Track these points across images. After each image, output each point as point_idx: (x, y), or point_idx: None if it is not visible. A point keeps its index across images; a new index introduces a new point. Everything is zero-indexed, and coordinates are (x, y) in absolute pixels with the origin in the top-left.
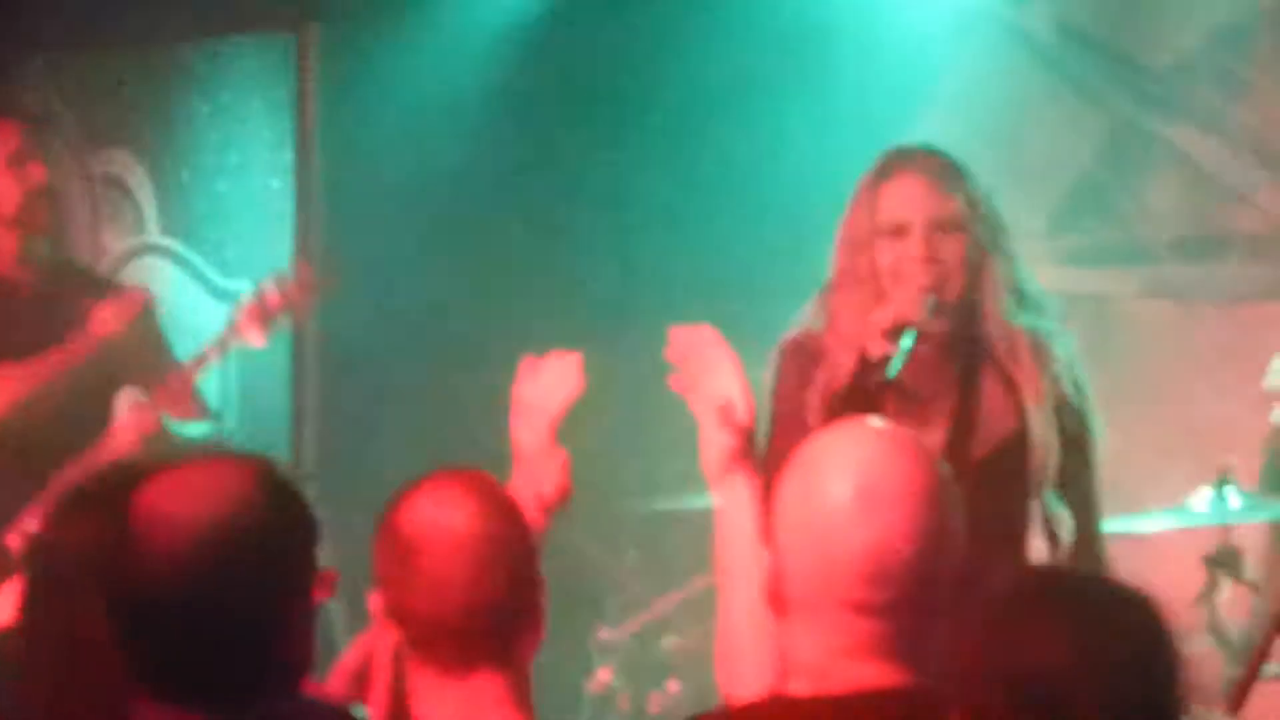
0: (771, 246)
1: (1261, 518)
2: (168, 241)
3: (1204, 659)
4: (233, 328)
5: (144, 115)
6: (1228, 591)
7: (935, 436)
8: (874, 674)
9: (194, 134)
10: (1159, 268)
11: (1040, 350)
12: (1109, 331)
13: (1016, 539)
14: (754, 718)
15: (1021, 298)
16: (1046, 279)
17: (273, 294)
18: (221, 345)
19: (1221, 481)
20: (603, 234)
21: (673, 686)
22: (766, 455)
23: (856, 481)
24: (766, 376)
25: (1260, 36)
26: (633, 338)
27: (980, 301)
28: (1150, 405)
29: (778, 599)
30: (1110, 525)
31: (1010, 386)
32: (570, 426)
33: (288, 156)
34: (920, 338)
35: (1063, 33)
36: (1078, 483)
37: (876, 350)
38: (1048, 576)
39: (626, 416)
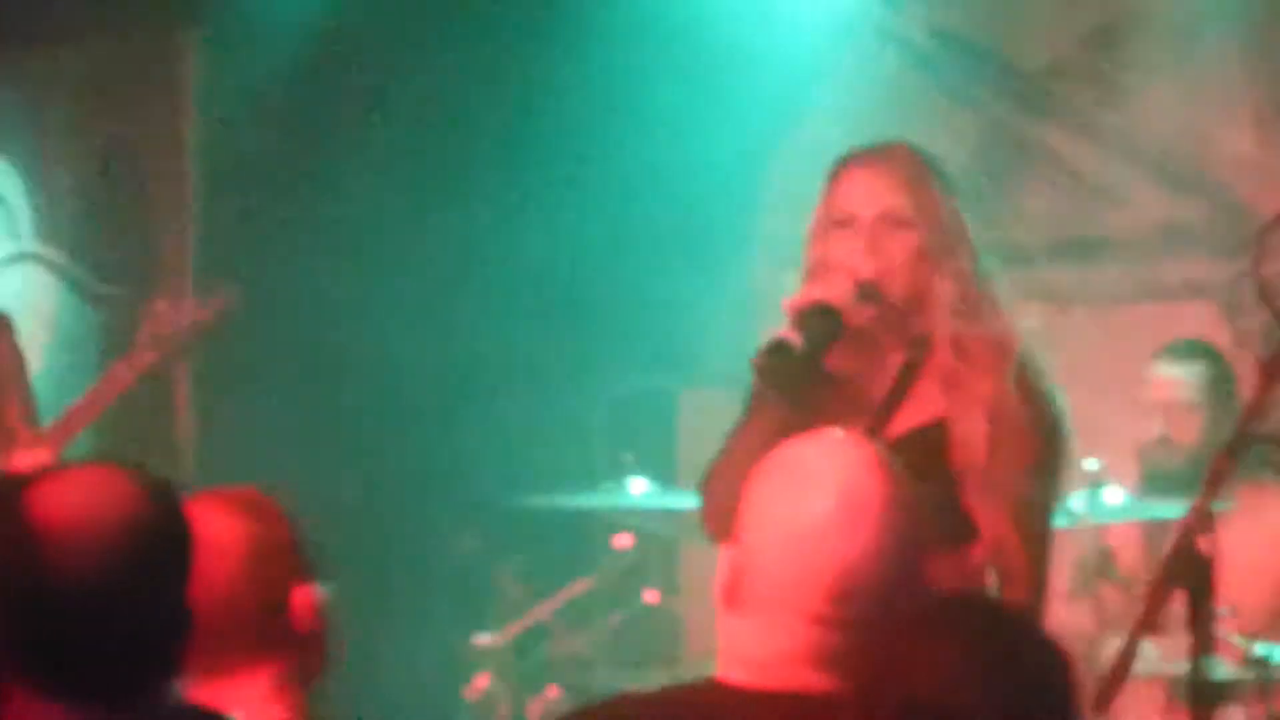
0: (650, 251)
1: (1135, 518)
2: (43, 249)
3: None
4: (129, 360)
5: (16, 120)
6: (1101, 590)
7: (859, 424)
8: (814, 679)
9: (71, 139)
10: (1033, 270)
11: (998, 354)
12: None
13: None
14: (688, 698)
15: (983, 300)
16: None
17: (171, 316)
18: (112, 383)
19: (1095, 483)
20: (481, 238)
21: (552, 692)
22: None
23: (836, 499)
24: None
25: (1131, 38)
26: (524, 332)
27: (931, 300)
28: None
29: (733, 594)
30: None
31: (950, 384)
32: (450, 422)
33: (166, 161)
34: (849, 325)
35: (937, 36)
36: (1012, 485)
37: (786, 331)
38: (952, 602)
39: (516, 413)
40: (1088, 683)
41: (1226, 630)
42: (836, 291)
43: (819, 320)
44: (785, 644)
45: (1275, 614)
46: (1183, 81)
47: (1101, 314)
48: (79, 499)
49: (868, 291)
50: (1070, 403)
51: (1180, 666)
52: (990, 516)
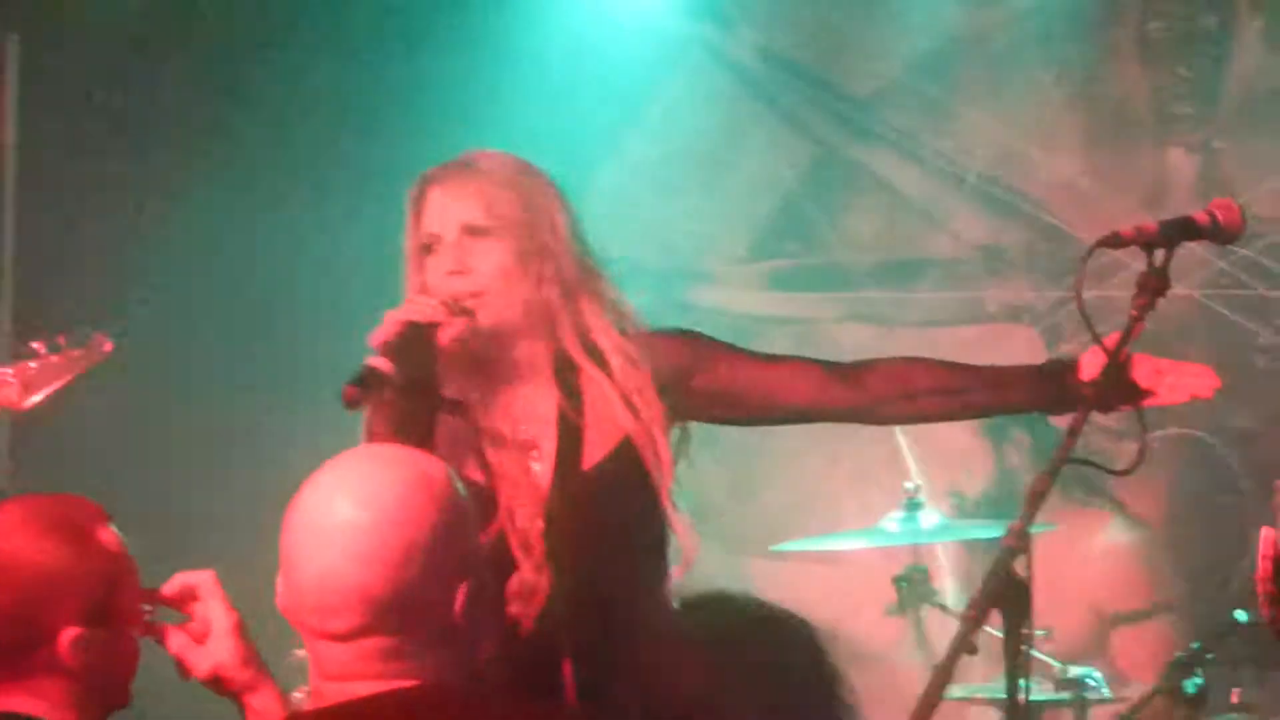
0: None
1: (952, 539)
2: None
3: (905, 675)
4: None
5: None
6: (922, 610)
7: (546, 447)
8: (363, 688)
9: None
10: (859, 292)
11: (646, 362)
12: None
13: (646, 546)
14: None
15: (619, 307)
16: (749, 303)
17: (47, 359)
18: None
19: (911, 504)
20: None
21: None
22: None
23: (309, 515)
24: None
25: (958, 64)
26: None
27: (566, 311)
28: (849, 429)
29: (291, 617)
30: (809, 544)
31: (623, 397)
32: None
33: None
34: (444, 345)
35: (768, 60)
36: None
37: (375, 359)
38: (697, 604)
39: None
40: (905, 703)
41: (1042, 652)
42: (422, 312)
43: (408, 344)
44: (324, 666)
45: (1090, 636)
46: (1007, 108)
47: (924, 336)
48: None
49: (458, 308)
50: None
51: (996, 688)
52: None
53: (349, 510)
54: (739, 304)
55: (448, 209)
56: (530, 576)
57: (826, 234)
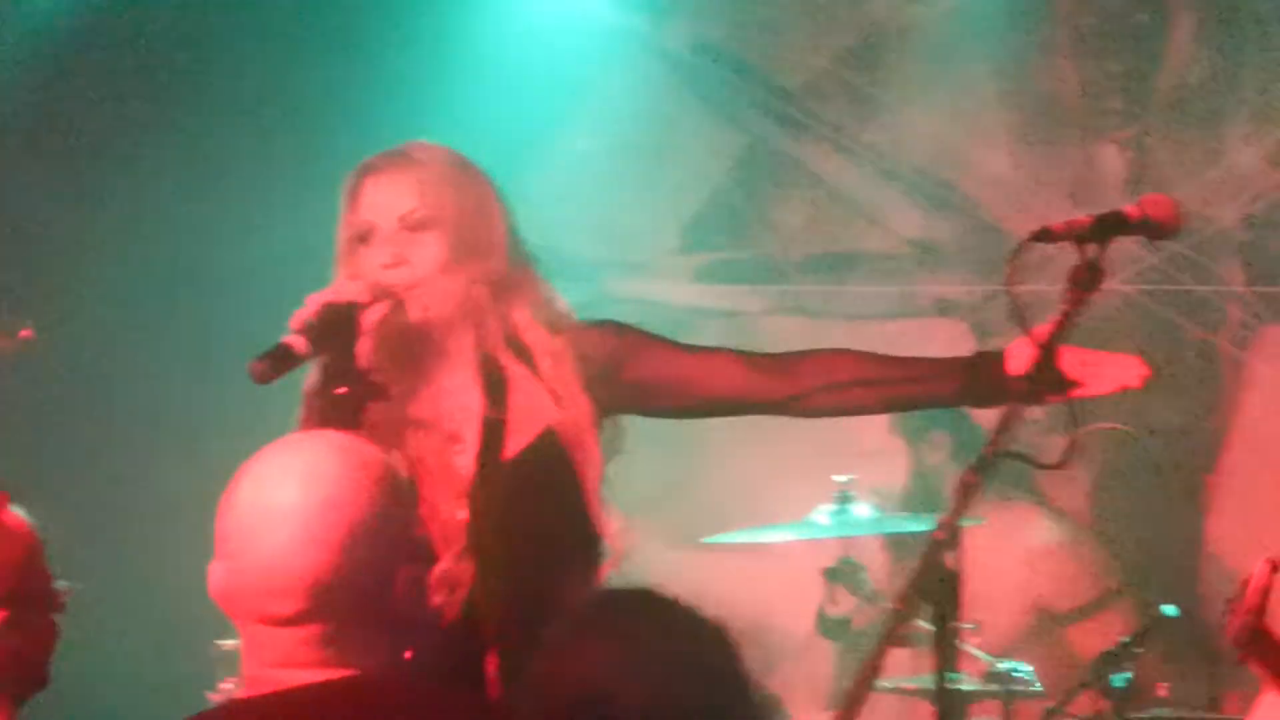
0: None
1: (883, 532)
2: None
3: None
4: None
5: None
6: (849, 603)
7: (469, 439)
8: (301, 676)
9: None
10: (789, 285)
11: (574, 357)
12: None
13: (572, 539)
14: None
15: (549, 303)
16: (680, 295)
17: None
18: None
19: (843, 496)
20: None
21: None
22: None
23: (252, 499)
24: None
25: (889, 58)
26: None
27: (496, 307)
28: (779, 422)
29: (226, 605)
30: (741, 536)
31: (550, 392)
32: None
33: None
34: (366, 328)
35: (699, 51)
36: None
37: (290, 337)
38: (610, 597)
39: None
40: (836, 694)
41: (971, 645)
42: (342, 293)
43: (328, 326)
44: (264, 652)
45: (1019, 630)
46: (939, 102)
47: (855, 330)
48: None
49: (381, 291)
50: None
51: (925, 680)
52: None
53: (294, 494)
54: (670, 296)
55: (385, 200)
56: (452, 568)
57: (757, 227)
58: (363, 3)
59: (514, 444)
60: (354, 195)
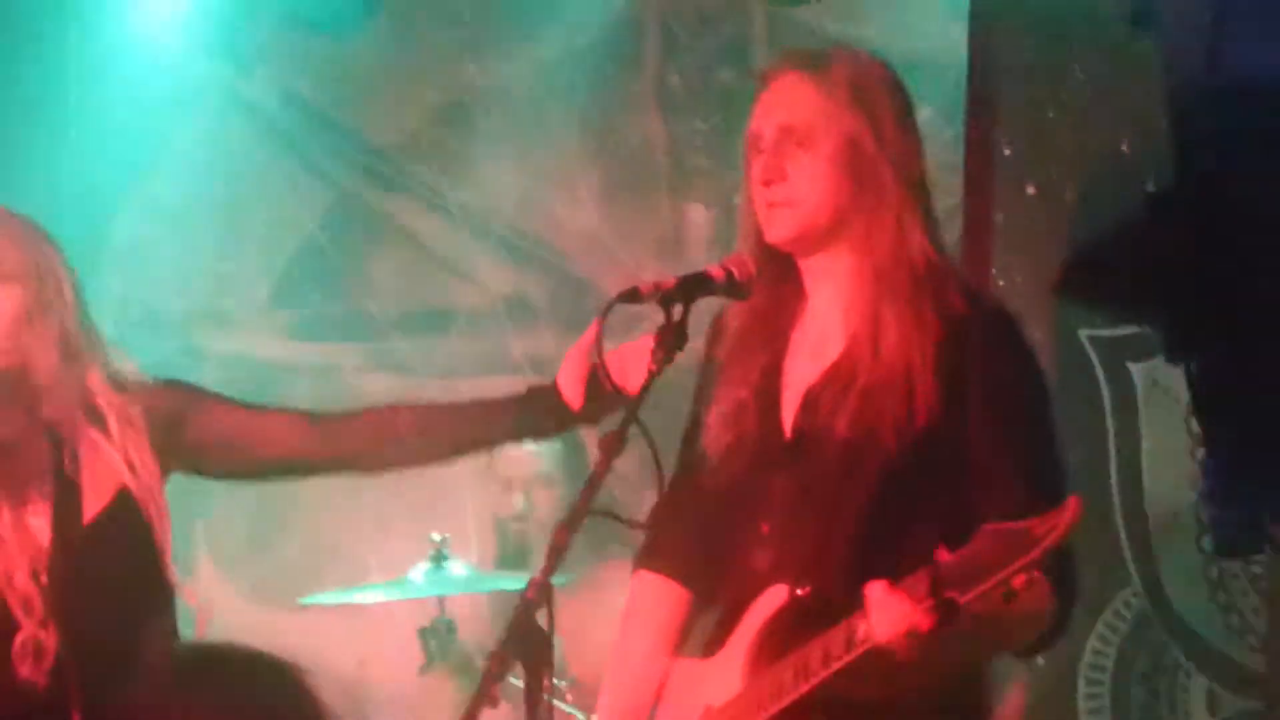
0: None
1: (478, 590)
2: None
3: None
4: None
5: None
6: (444, 663)
7: (42, 504)
8: None
9: None
10: (381, 341)
11: (142, 417)
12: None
13: (152, 599)
14: None
15: (118, 365)
16: (269, 351)
17: None
18: None
19: (438, 555)
20: None
21: None
22: None
23: None
24: None
25: (479, 115)
26: None
27: (66, 372)
28: (372, 479)
29: None
30: (335, 597)
31: (122, 454)
32: None
33: None
34: None
35: (288, 103)
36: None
37: None
38: (194, 653)
39: None
40: None
41: (565, 703)
42: None
43: None
44: None
45: None
46: (528, 159)
47: (450, 386)
48: None
49: None
50: (419, 474)
51: None
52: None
53: None
54: (260, 350)
55: None
56: (34, 635)
57: (349, 282)
58: None
59: (90, 507)
60: None
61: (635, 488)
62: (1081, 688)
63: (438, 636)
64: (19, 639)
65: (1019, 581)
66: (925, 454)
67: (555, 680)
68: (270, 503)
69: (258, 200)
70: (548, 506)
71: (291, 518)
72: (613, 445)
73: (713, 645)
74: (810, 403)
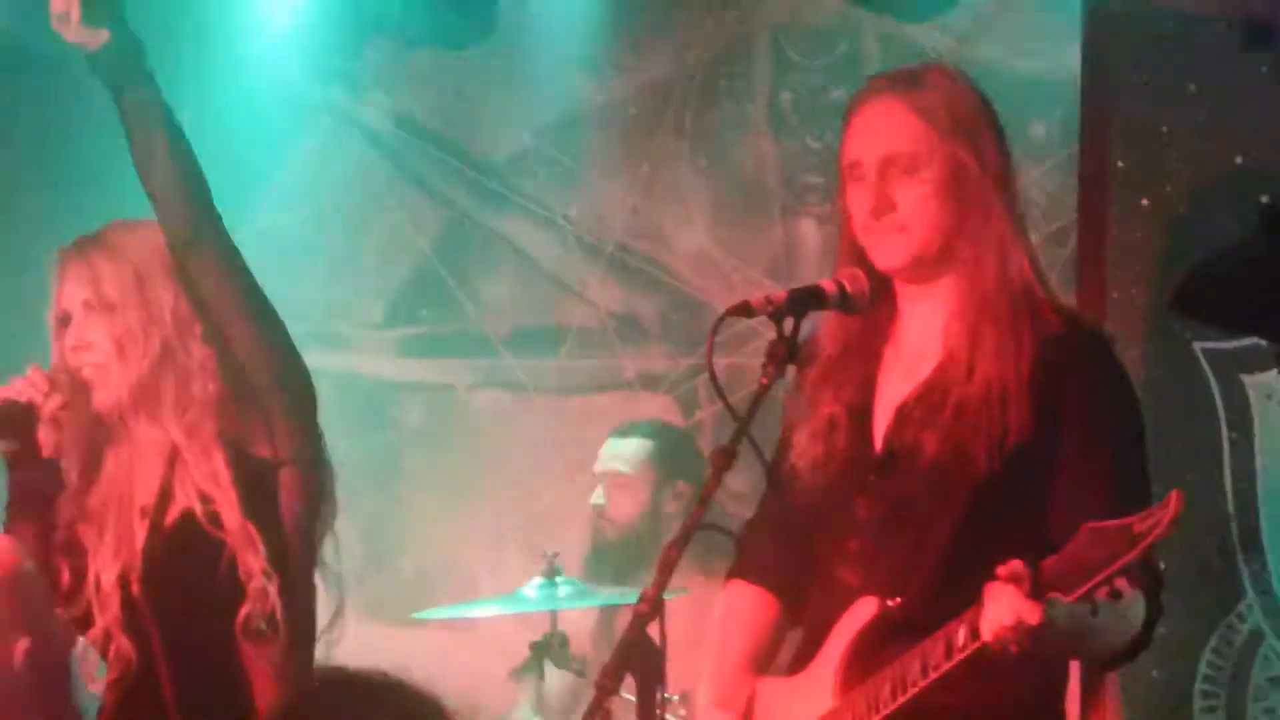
0: None
1: (588, 605)
2: None
3: None
4: None
5: None
6: (554, 676)
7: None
8: None
9: None
10: (494, 359)
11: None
12: (446, 422)
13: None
14: None
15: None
16: (382, 369)
17: None
18: None
19: (550, 570)
20: None
21: None
22: None
23: None
24: None
25: (589, 132)
26: None
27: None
28: (486, 494)
29: None
30: (448, 612)
31: None
32: None
33: None
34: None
35: (401, 126)
36: None
37: None
38: (333, 678)
39: None
40: None
41: (677, 716)
42: (19, 390)
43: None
44: None
45: None
46: (639, 177)
47: (560, 404)
48: None
49: (66, 381)
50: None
51: None
52: None
53: None
54: (372, 369)
55: (75, 286)
56: (116, 640)
57: (462, 300)
58: (58, 80)
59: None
60: (59, 278)
61: (744, 503)
62: (1197, 701)
63: (551, 650)
64: (109, 647)
65: (1122, 582)
66: (1015, 472)
67: (666, 694)
68: (387, 522)
69: (373, 223)
70: (628, 506)
71: (403, 532)
72: (723, 460)
73: (800, 662)
74: (902, 418)
